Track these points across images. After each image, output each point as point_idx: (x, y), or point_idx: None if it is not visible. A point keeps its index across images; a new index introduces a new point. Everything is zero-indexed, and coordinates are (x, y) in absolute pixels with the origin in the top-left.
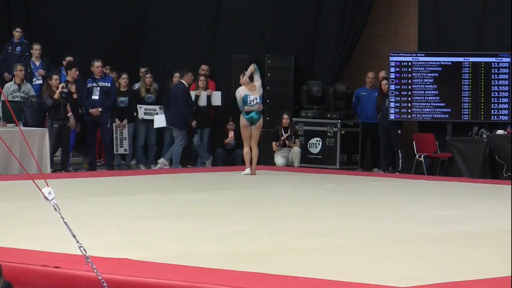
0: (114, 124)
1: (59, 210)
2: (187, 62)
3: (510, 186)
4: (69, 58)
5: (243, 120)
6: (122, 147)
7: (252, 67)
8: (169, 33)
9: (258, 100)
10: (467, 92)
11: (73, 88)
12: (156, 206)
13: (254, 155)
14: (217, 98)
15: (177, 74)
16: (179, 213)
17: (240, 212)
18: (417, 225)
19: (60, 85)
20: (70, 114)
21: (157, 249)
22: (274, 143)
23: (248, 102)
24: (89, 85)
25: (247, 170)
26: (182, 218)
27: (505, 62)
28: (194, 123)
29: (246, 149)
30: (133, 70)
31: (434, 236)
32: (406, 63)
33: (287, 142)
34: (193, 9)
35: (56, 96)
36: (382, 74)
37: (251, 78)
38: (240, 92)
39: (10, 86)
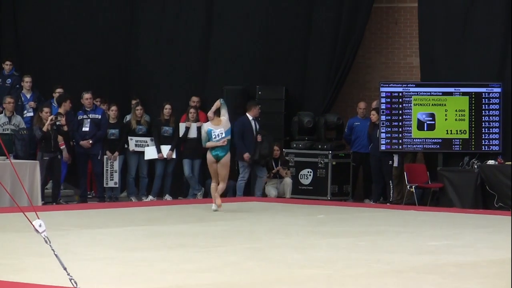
0: (105, 156)
1: (50, 242)
2: (178, 94)
3: (510, 217)
4: (59, 90)
5: (209, 156)
6: (112, 180)
7: (218, 102)
8: (160, 64)
9: (223, 135)
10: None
11: (63, 120)
12: (148, 238)
13: (220, 187)
14: None
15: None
16: (170, 245)
17: (232, 243)
18: (408, 255)
19: (49, 118)
20: (63, 146)
21: (148, 281)
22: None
23: (213, 136)
24: (80, 116)
25: (214, 206)
26: (173, 249)
27: (496, 92)
28: (246, 155)
29: (213, 185)
30: (124, 102)
31: (425, 266)
32: (396, 94)
33: (280, 170)
34: (184, 41)
35: (45, 128)
36: (374, 104)
37: (218, 113)
38: (204, 127)
39: (0, 119)
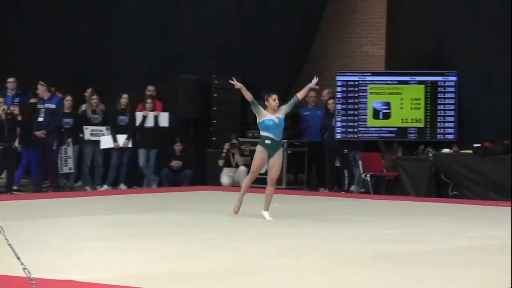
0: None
1: (4, 232)
2: (135, 83)
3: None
4: (10, 79)
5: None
6: (67, 165)
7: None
8: (117, 53)
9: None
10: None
11: (16, 110)
12: (103, 227)
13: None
14: (164, 119)
15: None
16: (126, 234)
17: (187, 232)
18: (363, 244)
19: (1, 108)
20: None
21: (104, 270)
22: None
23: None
24: (38, 106)
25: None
26: (129, 239)
27: (452, 81)
28: None
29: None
30: (79, 92)
31: (380, 255)
32: (352, 82)
33: (237, 158)
34: (140, 30)
35: None
36: (325, 93)
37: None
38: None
39: None
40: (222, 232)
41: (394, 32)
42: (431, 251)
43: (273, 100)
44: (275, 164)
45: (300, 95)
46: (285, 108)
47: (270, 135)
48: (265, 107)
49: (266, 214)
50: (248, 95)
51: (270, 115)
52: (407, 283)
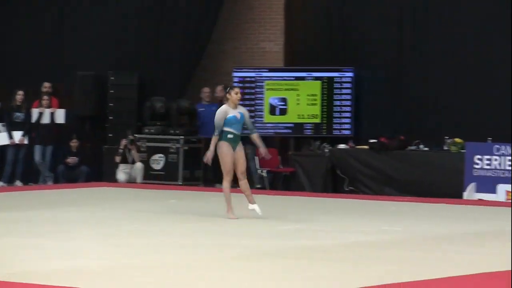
0: None
1: None
2: (31, 79)
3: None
4: None
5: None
6: None
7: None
8: (12, 49)
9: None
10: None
11: None
12: None
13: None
14: (60, 116)
15: None
16: (21, 232)
17: (82, 229)
18: (257, 240)
19: None
20: None
21: None
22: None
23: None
24: None
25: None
26: (24, 236)
27: (348, 77)
28: None
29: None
30: None
31: (275, 251)
32: (249, 79)
33: (134, 154)
34: (37, 26)
35: None
36: (219, 89)
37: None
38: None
39: None
40: (117, 228)
41: (291, 28)
42: (326, 246)
43: (235, 93)
44: (241, 157)
45: (255, 136)
46: (245, 116)
47: (232, 130)
48: (226, 100)
49: (255, 207)
50: (214, 142)
51: (232, 110)
52: (301, 278)
